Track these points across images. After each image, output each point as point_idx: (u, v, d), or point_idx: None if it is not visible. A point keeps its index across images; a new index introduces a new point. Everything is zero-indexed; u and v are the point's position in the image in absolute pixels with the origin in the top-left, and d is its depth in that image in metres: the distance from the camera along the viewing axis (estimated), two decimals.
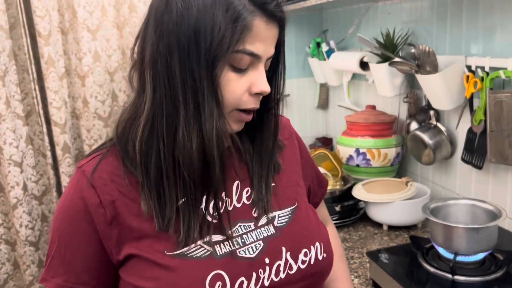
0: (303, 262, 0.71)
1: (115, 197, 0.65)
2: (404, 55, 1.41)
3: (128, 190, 0.66)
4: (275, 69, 0.71)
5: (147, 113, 0.63)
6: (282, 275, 0.68)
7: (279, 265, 0.69)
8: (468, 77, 1.22)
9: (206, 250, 0.65)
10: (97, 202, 0.65)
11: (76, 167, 0.68)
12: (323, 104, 2.17)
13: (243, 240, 0.68)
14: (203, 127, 0.61)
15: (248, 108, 0.66)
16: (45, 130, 1.79)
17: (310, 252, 0.72)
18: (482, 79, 1.17)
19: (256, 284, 0.66)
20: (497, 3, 1.17)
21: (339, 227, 1.44)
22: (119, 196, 0.65)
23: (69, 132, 1.82)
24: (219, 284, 0.63)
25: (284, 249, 0.70)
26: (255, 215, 0.72)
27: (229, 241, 0.67)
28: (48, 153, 1.81)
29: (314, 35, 2.05)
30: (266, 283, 0.67)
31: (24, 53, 1.73)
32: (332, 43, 1.86)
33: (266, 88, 0.66)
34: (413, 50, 1.36)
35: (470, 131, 1.27)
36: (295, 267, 0.70)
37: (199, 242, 0.65)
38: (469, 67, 1.24)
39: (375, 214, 1.40)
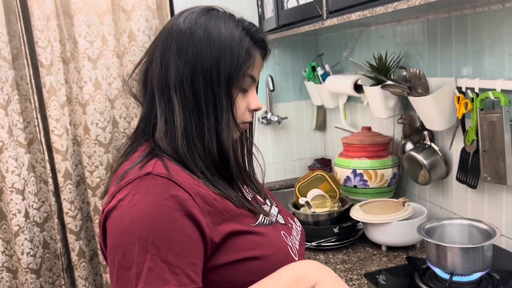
0: (298, 225, 0.94)
1: (197, 190, 0.72)
2: (396, 78, 1.44)
3: (199, 183, 0.74)
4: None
5: (181, 126, 0.76)
6: (299, 233, 0.91)
7: (295, 227, 0.91)
8: (459, 98, 1.25)
9: (267, 220, 0.82)
10: (187, 196, 0.69)
11: (139, 175, 0.70)
12: (321, 125, 2.19)
13: (272, 213, 0.88)
14: (221, 135, 0.77)
15: (248, 121, 0.85)
16: (46, 157, 1.82)
17: (295, 219, 0.96)
18: (472, 100, 1.20)
19: (297, 238, 0.88)
20: (484, 26, 1.20)
21: (338, 249, 1.44)
22: (198, 189, 0.72)
23: (70, 159, 1.85)
24: (289, 240, 0.83)
25: (288, 218, 0.92)
26: (263, 200, 0.91)
27: (270, 214, 0.86)
28: (50, 180, 1.83)
29: (310, 59, 2.09)
30: (298, 238, 0.89)
31: (26, 83, 1.78)
32: (327, 67, 1.90)
33: (260, 105, 0.84)
34: (404, 73, 1.39)
35: (463, 151, 1.29)
36: (299, 229, 0.93)
37: (261, 215, 0.82)
38: (459, 89, 1.26)
39: (374, 235, 1.41)
